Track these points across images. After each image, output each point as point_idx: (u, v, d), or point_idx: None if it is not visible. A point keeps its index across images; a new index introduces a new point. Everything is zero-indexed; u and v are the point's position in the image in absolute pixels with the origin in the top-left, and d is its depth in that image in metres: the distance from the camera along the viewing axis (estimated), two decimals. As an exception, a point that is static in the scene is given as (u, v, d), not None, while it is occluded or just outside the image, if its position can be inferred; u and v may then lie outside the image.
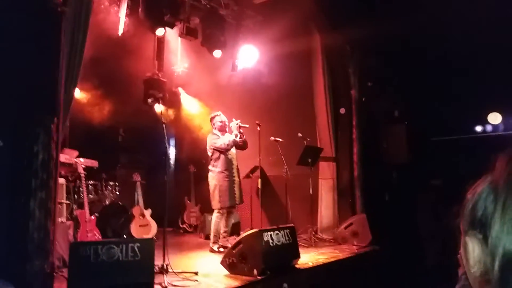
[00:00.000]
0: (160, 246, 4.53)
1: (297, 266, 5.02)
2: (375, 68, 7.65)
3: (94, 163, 6.56)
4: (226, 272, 4.66)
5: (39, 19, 3.90)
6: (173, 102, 8.92)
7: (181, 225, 8.48)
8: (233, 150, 6.25)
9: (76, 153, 6.10)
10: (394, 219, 6.68)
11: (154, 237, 5.99)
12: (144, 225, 6.41)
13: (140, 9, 6.46)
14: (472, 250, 0.75)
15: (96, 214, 5.76)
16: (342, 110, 7.69)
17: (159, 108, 6.97)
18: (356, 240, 6.46)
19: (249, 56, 7.99)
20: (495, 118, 7.74)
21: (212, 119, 6.43)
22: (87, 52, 4.55)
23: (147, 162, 8.81)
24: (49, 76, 3.94)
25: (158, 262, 4.28)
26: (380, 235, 6.34)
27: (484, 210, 0.74)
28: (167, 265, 4.46)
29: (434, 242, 5.89)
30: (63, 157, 5.35)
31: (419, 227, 6.64)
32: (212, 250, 6.10)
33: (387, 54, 7.43)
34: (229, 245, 5.14)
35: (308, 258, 5.48)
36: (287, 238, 4.92)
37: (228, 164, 6.17)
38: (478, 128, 7.80)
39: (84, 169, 5.81)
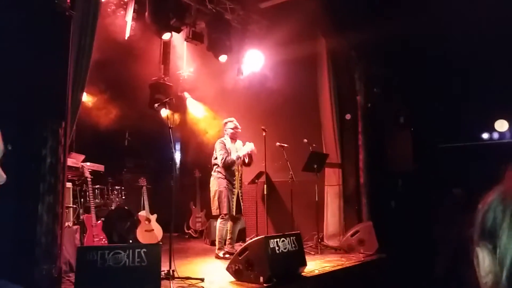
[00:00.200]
0: (166, 251, 4.49)
1: (303, 274, 4.98)
2: (381, 74, 7.63)
3: (100, 167, 6.55)
4: (232, 278, 4.62)
5: (47, 23, 3.90)
6: (179, 106, 8.91)
7: (186, 231, 8.45)
8: (245, 149, 6.20)
9: (82, 157, 6.09)
10: (400, 227, 6.64)
11: (160, 243, 5.96)
12: (150, 230, 6.39)
13: (146, 13, 6.46)
14: (483, 261, 0.75)
15: (102, 219, 5.74)
16: (348, 116, 7.67)
17: (165, 112, 6.96)
18: (363, 248, 6.41)
19: (254, 60, 7.98)
20: (502, 125, 7.71)
21: (225, 124, 6.41)
22: (94, 55, 4.55)
23: (153, 167, 8.80)
24: (57, 80, 3.95)
25: (164, 267, 4.25)
26: (386, 243, 6.29)
27: (494, 220, 0.74)
28: (173, 271, 4.43)
29: (447, 251, 5.84)
30: (69, 161, 5.34)
31: (435, 235, 6.55)
32: (217, 256, 6.06)
33: (393, 59, 7.41)
34: (235, 252, 5.10)
35: (314, 265, 5.43)
36: (293, 245, 4.88)
37: (230, 174, 6.17)
38: (485, 135, 7.76)
39: (90, 173, 5.80)
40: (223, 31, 7.34)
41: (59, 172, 3.80)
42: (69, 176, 5.70)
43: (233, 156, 6.09)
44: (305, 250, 5.39)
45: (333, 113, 7.58)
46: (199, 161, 8.66)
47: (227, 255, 5.91)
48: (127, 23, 6.54)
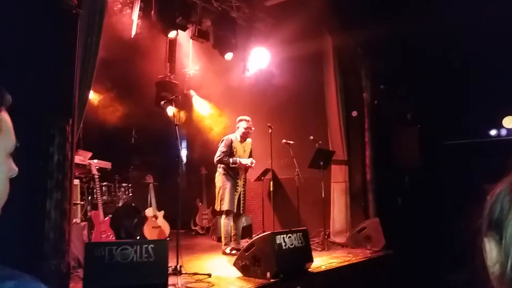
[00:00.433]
0: (173, 247, 4.52)
1: (310, 269, 4.99)
2: (387, 70, 7.61)
3: (107, 165, 6.59)
4: (239, 274, 4.64)
5: (54, 21, 3.92)
6: (185, 104, 8.94)
7: (193, 227, 8.49)
8: (244, 161, 6.19)
9: (89, 154, 6.13)
10: (407, 223, 6.62)
11: (168, 238, 5.99)
12: (157, 227, 6.42)
13: (152, 12, 6.48)
14: (490, 252, 0.76)
15: (110, 215, 5.78)
16: (354, 113, 7.66)
17: (171, 110, 6.99)
18: (370, 245, 6.40)
19: (260, 58, 7.99)
20: (510, 122, 7.65)
21: (239, 121, 6.29)
22: (100, 54, 4.57)
23: (159, 164, 8.83)
24: (64, 78, 3.96)
25: (171, 263, 4.28)
26: (393, 240, 6.28)
27: (500, 211, 0.74)
28: (180, 266, 4.45)
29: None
30: (77, 158, 5.37)
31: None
32: (224, 252, 6.09)
33: (400, 56, 7.39)
34: (242, 248, 5.12)
35: (321, 261, 5.45)
36: (300, 241, 4.89)
37: (234, 173, 6.19)
38: (493, 132, 7.71)
39: (97, 170, 5.84)
40: (229, 29, 7.36)
41: (66, 169, 3.82)
42: (76, 173, 5.75)
43: (230, 160, 6.09)
44: (311, 246, 5.40)
45: (339, 110, 7.58)
46: (205, 158, 8.65)
47: (233, 251, 5.93)
48: (133, 21, 6.57)
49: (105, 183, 6.80)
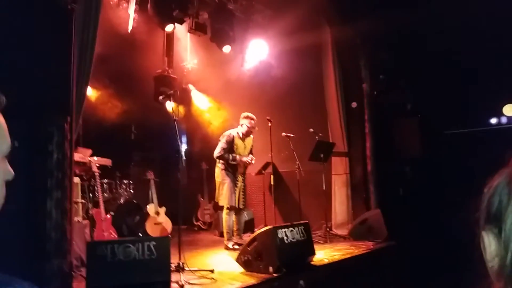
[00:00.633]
0: (176, 244, 4.50)
1: (312, 263, 4.99)
2: (386, 61, 7.56)
3: (107, 162, 6.56)
4: (242, 269, 4.64)
5: (49, 17, 3.87)
6: (184, 99, 8.89)
7: (195, 223, 8.49)
8: (243, 159, 6.18)
9: (89, 151, 6.10)
10: (409, 214, 6.62)
11: (169, 235, 5.98)
12: (159, 223, 6.41)
13: (149, 5, 6.44)
14: (489, 245, 0.75)
15: (112, 213, 5.77)
16: (354, 104, 7.63)
17: (170, 105, 6.94)
18: (372, 236, 6.39)
19: (258, 50, 7.93)
20: (510, 110, 7.62)
21: (244, 118, 6.20)
22: (97, 49, 4.52)
23: (160, 160, 8.82)
24: (61, 75, 3.93)
25: (174, 260, 4.27)
26: (395, 230, 6.27)
27: (499, 204, 0.73)
28: (183, 263, 4.44)
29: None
30: (77, 156, 5.34)
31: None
32: (227, 248, 6.09)
33: (399, 46, 7.34)
34: (244, 242, 5.11)
35: (323, 254, 5.45)
36: (301, 234, 4.89)
37: (233, 168, 6.19)
38: (493, 120, 7.67)
39: (98, 167, 5.81)
40: (226, 22, 7.30)
41: (66, 167, 3.80)
42: (77, 171, 5.72)
43: (230, 156, 6.08)
44: (314, 239, 5.39)
45: (339, 102, 7.55)
46: (206, 152, 8.63)
47: (236, 246, 5.94)
48: (129, 15, 6.51)
49: (106, 181, 6.78)
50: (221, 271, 4.65)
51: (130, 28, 6.56)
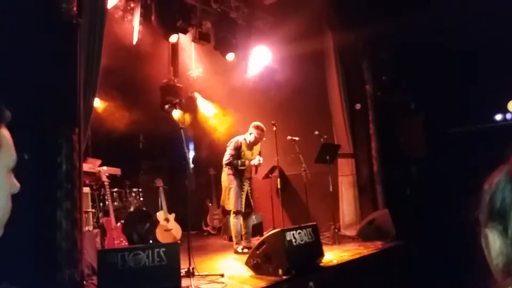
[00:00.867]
0: (185, 249, 4.58)
1: (321, 264, 5.02)
2: (388, 61, 7.59)
3: (117, 171, 6.67)
4: (252, 273, 4.69)
5: (55, 31, 3.96)
6: (190, 107, 9.00)
7: (204, 228, 8.56)
8: (252, 161, 6.29)
9: (99, 161, 6.21)
10: (416, 213, 6.62)
11: (179, 241, 6.06)
12: (169, 230, 6.49)
13: (153, 17, 6.54)
14: (493, 242, 0.74)
15: (122, 221, 5.85)
16: (358, 106, 7.66)
17: (176, 113, 7.06)
18: (380, 236, 6.40)
19: (261, 57, 8.01)
20: (515, 106, 7.59)
21: (254, 127, 6.28)
22: (104, 61, 4.63)
23: (168, 167, 8.91)
24: (68, 87, 3.99)
25: (184, 265, 4.33)
26: (403, 230, 6.28)
27: (503, 201, 0.73)
28: (193, 268, 4.50)
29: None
30: (86, 167, 5.45)
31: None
32: (236, 252, 6.14)
33: (401, 46, 7.36)
34: (253, 246, 5.17)
35: (332, 255, 5.48)
36: (310, 236, 4.93)
37: (240, 173, 6.28)
38: (498, 117, 7.65)
39: (107, 177, 5.91)
40: (229, 30, 7.39)
41: (75, 178, 3.87)
42: (87, 181, 5.84)
43: (239, 162, 6.20)
44: (322, 240, 5.44)
45: (343, 104, 7.59)
46: (213, 158, 8.73)
47: (245, 250, 5.99)
48: (134, 28, 6.63)
49: (115, 189, 6.88)
50: (231, 275, 4.71)
51: (135, 40, 6.67)
